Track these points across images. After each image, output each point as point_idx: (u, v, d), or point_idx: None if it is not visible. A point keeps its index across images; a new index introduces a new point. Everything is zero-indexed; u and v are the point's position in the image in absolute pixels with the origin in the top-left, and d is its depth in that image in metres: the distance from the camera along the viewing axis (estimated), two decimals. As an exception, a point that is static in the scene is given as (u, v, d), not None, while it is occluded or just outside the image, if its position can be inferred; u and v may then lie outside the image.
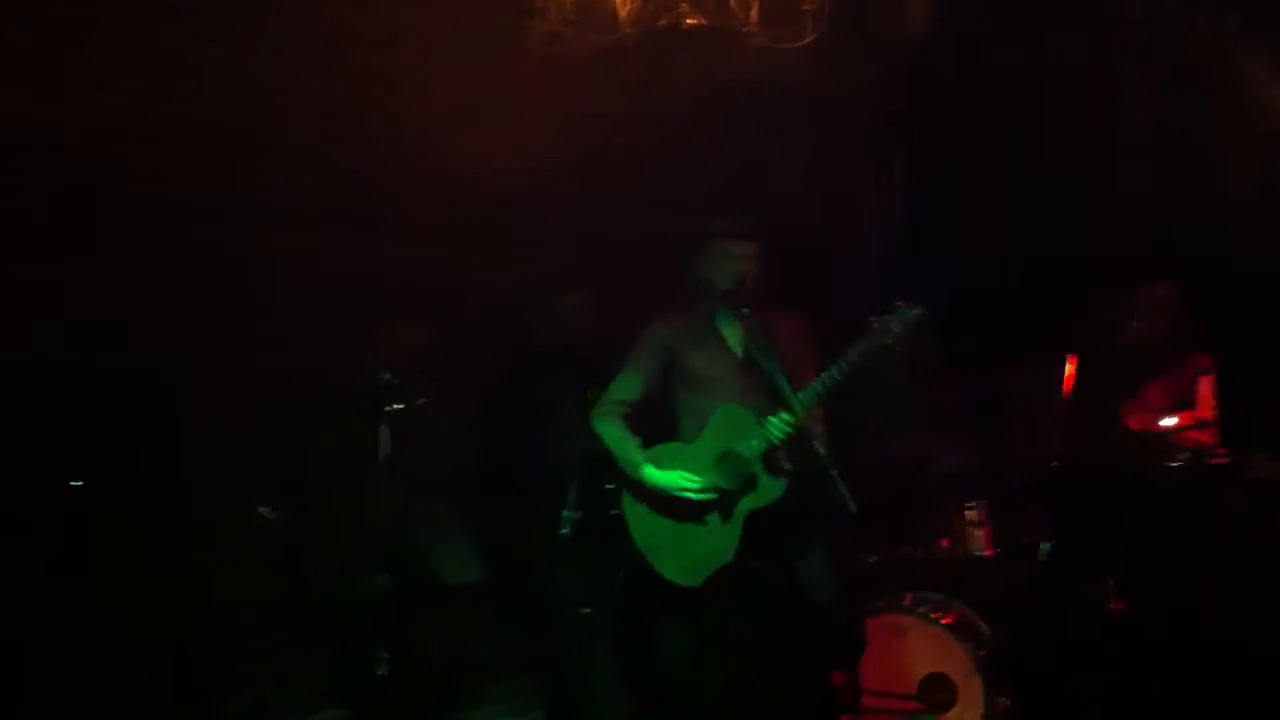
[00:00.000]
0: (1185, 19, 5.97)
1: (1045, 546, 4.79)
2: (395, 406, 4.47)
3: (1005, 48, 6.42)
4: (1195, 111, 5.93)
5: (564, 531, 4.61)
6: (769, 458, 4.16)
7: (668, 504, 4.25)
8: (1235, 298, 5.28)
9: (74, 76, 4.76)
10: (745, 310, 4.23)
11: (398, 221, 5.36)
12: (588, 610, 4.64)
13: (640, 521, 4.31)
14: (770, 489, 4.16)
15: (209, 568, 4.89)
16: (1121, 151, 6.19)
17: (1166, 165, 5.97)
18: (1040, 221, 6.11)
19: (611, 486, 4.38)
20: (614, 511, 4.38)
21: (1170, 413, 4.91)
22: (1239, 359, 4.97)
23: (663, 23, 5.37)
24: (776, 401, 4.12)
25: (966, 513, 4.95)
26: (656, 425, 4.40)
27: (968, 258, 6.34)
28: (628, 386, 4.38)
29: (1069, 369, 4.83)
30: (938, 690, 4.55)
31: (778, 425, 4.09)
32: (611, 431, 4.33)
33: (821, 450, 4.02)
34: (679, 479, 4.20)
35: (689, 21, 5.39)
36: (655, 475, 4.23)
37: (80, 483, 4.59)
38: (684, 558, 4.23)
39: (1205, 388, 4.86)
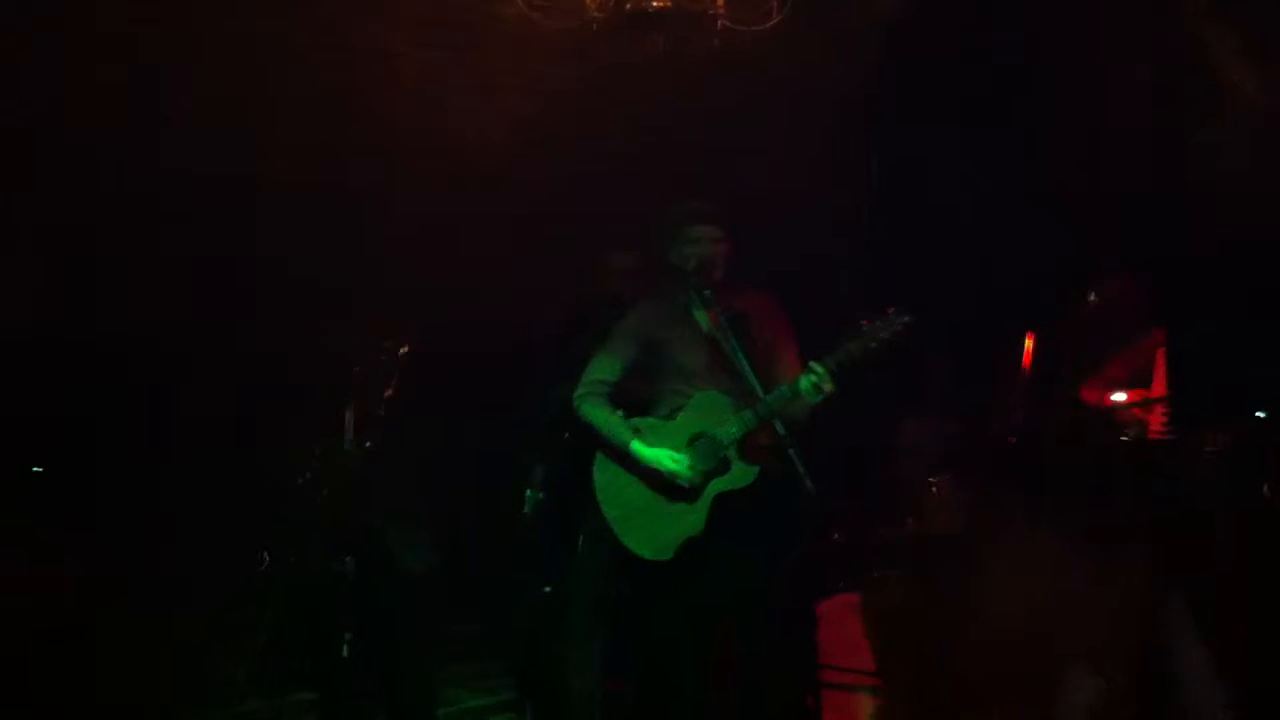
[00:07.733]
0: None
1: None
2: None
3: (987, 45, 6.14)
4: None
5: (527, 510, 4.65)
6: (744, 444, 4.22)
7: (644, 478, 4.27)
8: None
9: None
10: (708, 293, 4.28)
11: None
12: (549, 589, 4.68)
13: (611, 495, 4.33)
14: (742, 474, 4.20)
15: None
16: (1107, 143, 5.87)
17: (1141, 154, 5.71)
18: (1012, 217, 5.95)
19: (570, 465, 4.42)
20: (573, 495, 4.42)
21: (1125, 388, 4.94)
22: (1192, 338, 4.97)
23: (629, 6, 5.37)
24: (743, 386, 4.17)
25: (931, 490, 5.03)
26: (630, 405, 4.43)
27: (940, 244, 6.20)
28: (608, 367, 4.41)
29: (1028, 344, 4.88)
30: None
31: (752, 415, 4.14)
32: (598, 412, 4.35)
33: (782, 430, 4.07)
34: (667, 458, 4.23)
35: (655, 4, 5.38)
36: (644, 451, 4.25)
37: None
38: (652, 533, 4.26)
39: (1162, 364, 4.89)
